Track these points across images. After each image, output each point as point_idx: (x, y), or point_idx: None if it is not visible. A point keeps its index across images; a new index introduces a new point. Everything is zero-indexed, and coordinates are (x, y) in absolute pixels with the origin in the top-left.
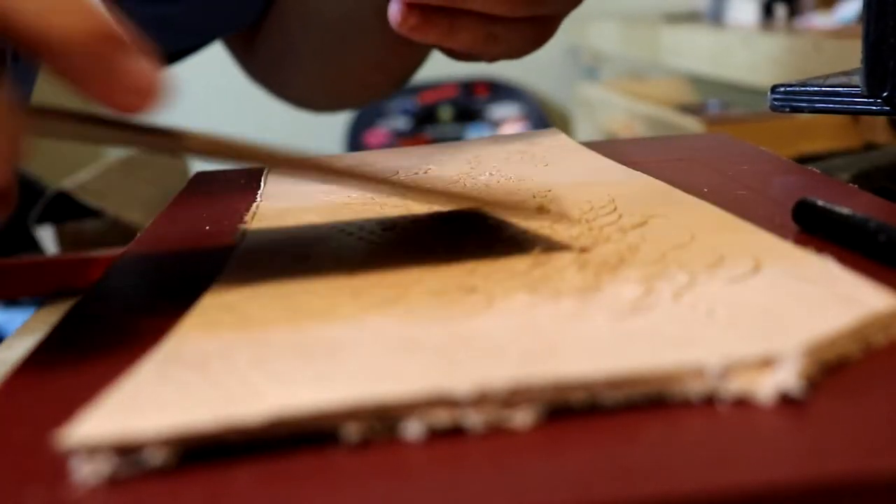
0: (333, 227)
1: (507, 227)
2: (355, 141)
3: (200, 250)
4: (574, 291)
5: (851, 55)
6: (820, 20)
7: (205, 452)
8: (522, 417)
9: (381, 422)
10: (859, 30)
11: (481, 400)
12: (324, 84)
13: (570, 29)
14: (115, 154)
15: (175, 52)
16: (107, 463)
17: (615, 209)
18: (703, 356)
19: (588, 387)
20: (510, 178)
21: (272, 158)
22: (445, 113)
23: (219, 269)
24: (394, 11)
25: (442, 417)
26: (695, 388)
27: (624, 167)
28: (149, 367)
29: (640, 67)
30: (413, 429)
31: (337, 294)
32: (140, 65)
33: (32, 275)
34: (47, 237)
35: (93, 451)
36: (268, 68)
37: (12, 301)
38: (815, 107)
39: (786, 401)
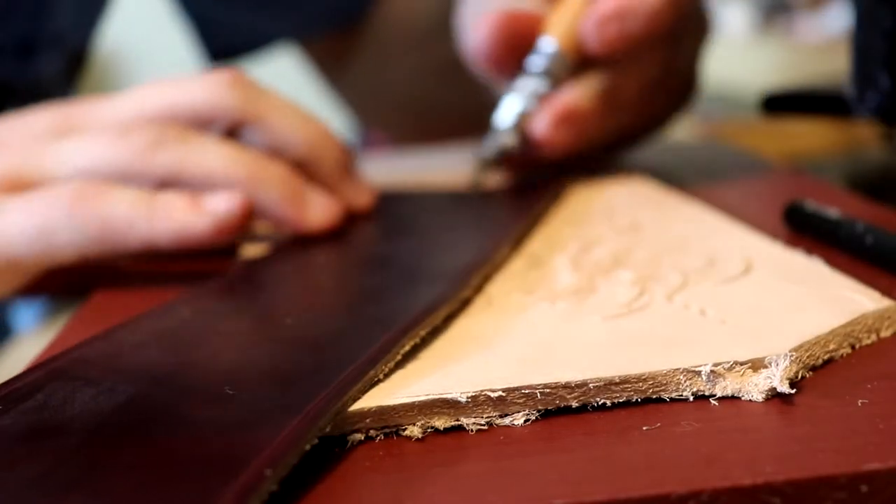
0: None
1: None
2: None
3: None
4: (569, 293)
5: (840, 62)
6: (809, 22)
7: None
8: (518, 419)
9: (382, 426)
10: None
11: (478, 403)
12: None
13: None
14: None
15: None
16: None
17: (609, 211)
18: (694, 358)
19: (582, 389)
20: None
21: None
22: None
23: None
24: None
25: (440, 419)
26: (687, 389)
27: (617, 169)
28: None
29: None
30: (413, 430)
31: None
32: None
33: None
34: None
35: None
36: (358, 83)
37: (25, 296)
38: (805, 111)
39: (776, 400)
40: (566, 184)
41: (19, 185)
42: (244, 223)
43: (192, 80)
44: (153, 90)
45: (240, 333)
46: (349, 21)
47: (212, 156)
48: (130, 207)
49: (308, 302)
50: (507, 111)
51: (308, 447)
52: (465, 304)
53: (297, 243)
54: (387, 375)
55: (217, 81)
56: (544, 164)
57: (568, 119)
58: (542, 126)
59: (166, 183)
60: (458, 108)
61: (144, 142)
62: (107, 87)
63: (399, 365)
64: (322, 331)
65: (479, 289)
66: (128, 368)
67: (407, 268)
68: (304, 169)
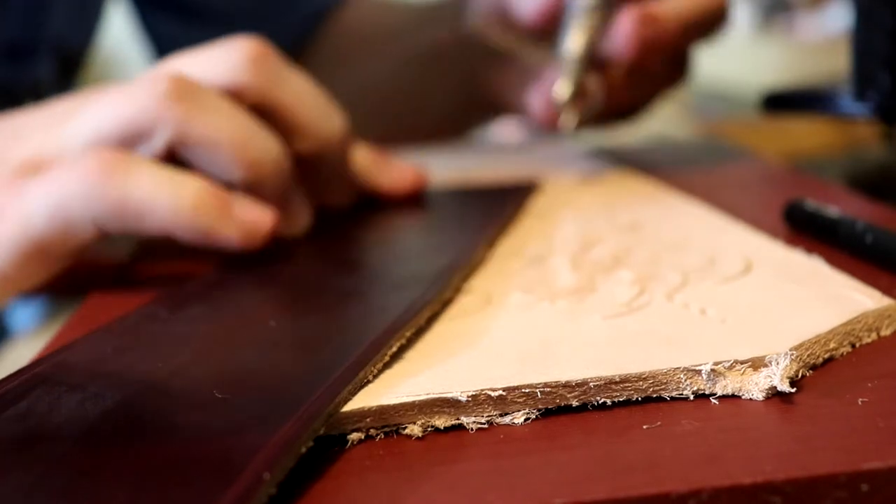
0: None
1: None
2: None
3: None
4: (569, 292)
5: (840, 62)
6: (809, 21)
7: None
8: (518, 418)
9: (382, 425)
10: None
11: (478, 402)
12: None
13: None
14: None
15: None
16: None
17: (610, 210)
18: (694, 356)
19: (582, 388)
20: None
21: None
22: None
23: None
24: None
25: (441, 418)
26: (687, 388)
27: (617, 169)
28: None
29: None
30: (413, 429)
31: None
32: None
33: None
34: None
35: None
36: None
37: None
38: (805, 111)
39: (776, 399)
40: (538, 182)
41: (40, 167)
42: (269, 240)
43: (213, 55)
44: (172, 63)
45: (223, 336)
46: (302, 38)
47: (222, 122)
48: (155, 187)
49: (290, 304)
50: (574, 36)
51: (304, 449)
52: (447, 304)
53: (275, 245)
54: (376, 376)
55: (244, 59)
56: (615, 108)
57: (648, 21)
58: (625, 26)
59: (175, 146)
60: (428, 110)
61: (153, 93)
62: None
63: (398, 364)
64: (307, 333)
65: (458, 289)
66: (112, 373)
67: (389, 269)
68: (307, 161)
